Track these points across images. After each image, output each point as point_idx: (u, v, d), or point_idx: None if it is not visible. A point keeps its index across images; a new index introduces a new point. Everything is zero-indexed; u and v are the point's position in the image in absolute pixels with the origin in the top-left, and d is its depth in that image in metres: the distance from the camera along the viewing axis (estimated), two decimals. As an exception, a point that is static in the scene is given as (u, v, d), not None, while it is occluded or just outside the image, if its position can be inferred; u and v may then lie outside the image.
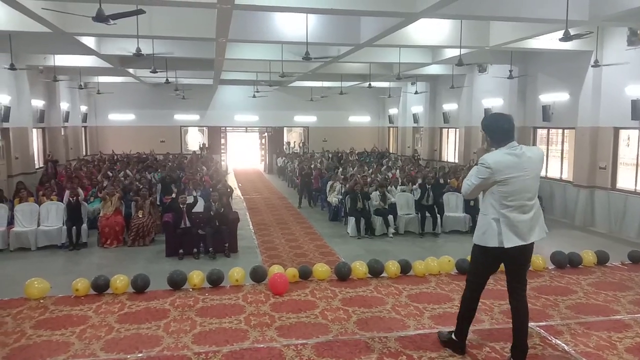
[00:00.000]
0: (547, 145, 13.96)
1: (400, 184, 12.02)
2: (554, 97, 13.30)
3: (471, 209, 10.71)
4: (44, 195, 10.55)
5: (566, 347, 4.79)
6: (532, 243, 4.20)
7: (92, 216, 10.46)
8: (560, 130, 13.55)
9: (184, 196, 9.43)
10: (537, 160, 4.16)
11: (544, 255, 7.73)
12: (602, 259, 7.77)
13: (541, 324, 5.41)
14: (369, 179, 11.98)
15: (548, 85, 13.63)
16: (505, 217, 4.05)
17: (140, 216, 9.68)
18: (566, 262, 7.60)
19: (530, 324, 5.34)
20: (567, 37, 8.01)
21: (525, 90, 14.63)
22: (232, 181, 19.17)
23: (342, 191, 11.82)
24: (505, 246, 4.04)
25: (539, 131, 14.40)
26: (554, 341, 4.94)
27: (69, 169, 15.83)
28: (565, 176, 13.21)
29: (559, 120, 13.23)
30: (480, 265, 4.38)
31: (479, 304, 4.61)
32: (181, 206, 9.15)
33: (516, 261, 4.25)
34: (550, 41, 11.24)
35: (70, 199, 9.60)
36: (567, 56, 12.50)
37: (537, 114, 13.98)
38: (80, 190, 9.88)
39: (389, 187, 11.36)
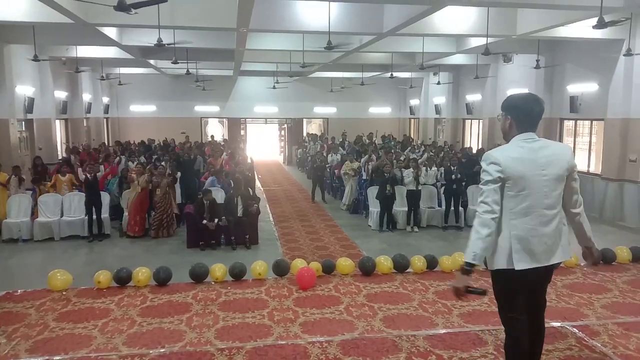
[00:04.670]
0: (574, 137, 13.57)
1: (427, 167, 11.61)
2: (582, 87, 12.88)
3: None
4: (59, 173, 10.39)
5: (604, 349, 4.58)
6: (554, 265, 3.31)
7: (113, 203, 10.41)
8: (588, 122, 13.14)
9: (210, 192, 9.32)
10: (561, 157, 3.23)
11: (575, 250, 7.45)
12: (637, 256, 7.47)
13: (576, 324, 5.19)
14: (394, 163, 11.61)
15: (576, 75, 13.21)
16: (516, 228, 3.15)
17: (158, 193, 9.57)
18: (599, 259, 7.32)
19: (565, 324, 5.16)
20: (601, 24, 7.69)
21: (552, 80, 14.21)
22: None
23: (365, 168, 11.68)
24: (516, 268, 3.14)
25: (566, 123, 14.00)
26: (590, 342, 4.73)
27: (87, 149, 15.94)
28: (592, 169, 12.83)
29: (587, 112, 12.82)
30: (502, 295, 3.36)
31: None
32: (205, 202, 9.04)
33: (535, 284, 3.35)
34: (580, 29, 10.87)
35: (88, 175, 9.37)
36: (597, 45, 12.09)
37: (564, 105, 13.58)
38: (101, 167, 9.69)
39: (421, 167, 10.90)
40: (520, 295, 3.30)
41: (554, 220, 3.21)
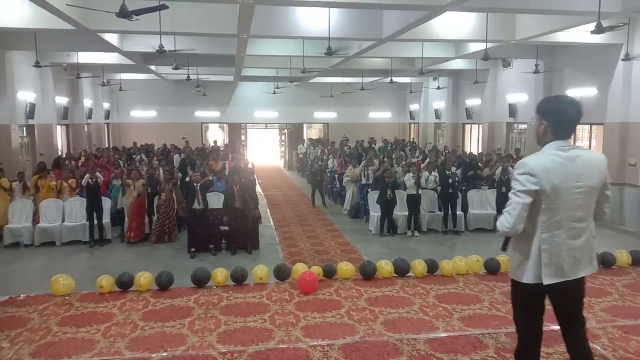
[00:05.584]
0: (574, 141, 13.61)
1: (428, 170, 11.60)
2: (581, 92, 12.93)
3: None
4: (63, 179, 10.39)
5: (604, 352, 4.62)
6: (583, 278, 3.21)
7: (115, 210, 10.44)
8: (587, 126, 13.20)
9: (197, 173, 9.32)
10: (596, 168, 3.10)
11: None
12: (636, 260, 7.50)
13: (576, 327, 5.21)
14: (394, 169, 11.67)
15: (575, 80, 13.29)
16: (546, 242, 3.07)
17: (164, 197, 9.52)
18: (599, 262, 7.36)
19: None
20: (599, 30, 7.77)
21: (551, 85, 14.28)
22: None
23: (365, 173, 11.72)
24: (544, 282, 3.08)
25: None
26: (590, 345, 4.74)
27: (87, 153, 15.99)
28: (592, 173, 12.87)
29: (586, 116, 12.43)
30: (521, 307, 3.34)
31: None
32: (195, 184, 9.03)
33: (563, 298, 3.24)
34: (578, 34, 10.94)
35: (90, 180, 9.32)
36: (595, 50, 12.15)
37: (563, 109, 13.64)
38: (99, 174, 9.71)
39: (421, 173, 10.95)
40: (540, 308, 3.25)
41: (585, 233, 3.12)
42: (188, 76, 16.51)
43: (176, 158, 15.24)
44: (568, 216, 3.05)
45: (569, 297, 3.23)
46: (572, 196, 3.03)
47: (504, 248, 3.34)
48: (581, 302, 3.30)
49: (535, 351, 3.33)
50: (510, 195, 3.14)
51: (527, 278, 3.12)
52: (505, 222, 3.10)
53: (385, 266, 6.94)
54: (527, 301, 3.26)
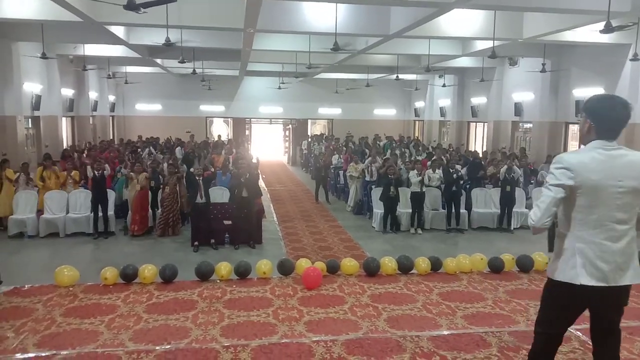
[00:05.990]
0: (579, 142, 13.59)
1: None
2: (588, 91, 12.88)
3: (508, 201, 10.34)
4: (65, 170, 10.35)
5: (607, 353, 4.60)
6: (627, 287, 2.97)
7: (119, 202, 10.46)
8: (594, 126, 13.15)
9: (200, 167, 9.33)
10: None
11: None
12: (641, 261, 7.46)
13: (580, 327, 5.18)
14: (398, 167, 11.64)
15: (582, 79, 13.25)
16: (582, 241, 2.91)
17: (168, 191, 9.53)
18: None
19: (569, 327, 5.16)
20: (608, 29, 7.72)
21: (557, 84, 14.25)
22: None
23: (369, 170, 11.69)
24: (578, 282, 2.89)
25: (572, 127, 14.02)
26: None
27: (91, 146, 16.01)
28: (598, 173, 12.83)
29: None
30: (549, 308, 3.13)
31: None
32: (197, 178, 8.99)
33: (602, 304, 3.00)
34: (586, 33, 10.89)
35: (95, 172, 9.35)
36: (603, 49, 12.11)
37: (569, 109, 13.61)
38: (107, 166, 9.68)
39: (428, 171, 10.93)
40: (568, 313, 3.08)
41: (626, 237, 2.92)
42: (194, 70, 16.53)
43: (178, 151, 15.36)
44: (607, 216, 2.89)
45: (607, 305, 3.01)
46: (612, 196, 2.87)
47: (551, 249, 3.24)
48: (621, 311, 3.08)
49: (547, 357, 3.23)
50: (542, 189, 3.03)
51: (559, 275, 2.98)
52: (532, 214, 2.96)
53: (388, 263, 6.93)
54: (557, 302, 3.06)
